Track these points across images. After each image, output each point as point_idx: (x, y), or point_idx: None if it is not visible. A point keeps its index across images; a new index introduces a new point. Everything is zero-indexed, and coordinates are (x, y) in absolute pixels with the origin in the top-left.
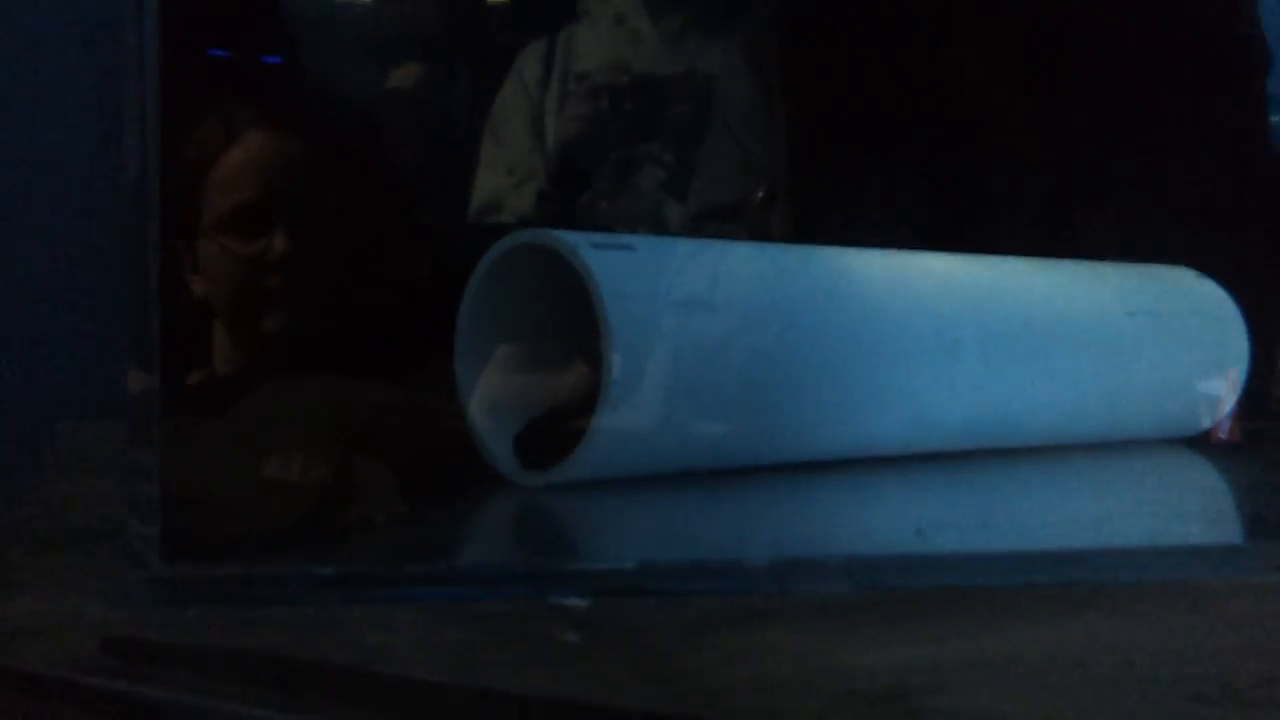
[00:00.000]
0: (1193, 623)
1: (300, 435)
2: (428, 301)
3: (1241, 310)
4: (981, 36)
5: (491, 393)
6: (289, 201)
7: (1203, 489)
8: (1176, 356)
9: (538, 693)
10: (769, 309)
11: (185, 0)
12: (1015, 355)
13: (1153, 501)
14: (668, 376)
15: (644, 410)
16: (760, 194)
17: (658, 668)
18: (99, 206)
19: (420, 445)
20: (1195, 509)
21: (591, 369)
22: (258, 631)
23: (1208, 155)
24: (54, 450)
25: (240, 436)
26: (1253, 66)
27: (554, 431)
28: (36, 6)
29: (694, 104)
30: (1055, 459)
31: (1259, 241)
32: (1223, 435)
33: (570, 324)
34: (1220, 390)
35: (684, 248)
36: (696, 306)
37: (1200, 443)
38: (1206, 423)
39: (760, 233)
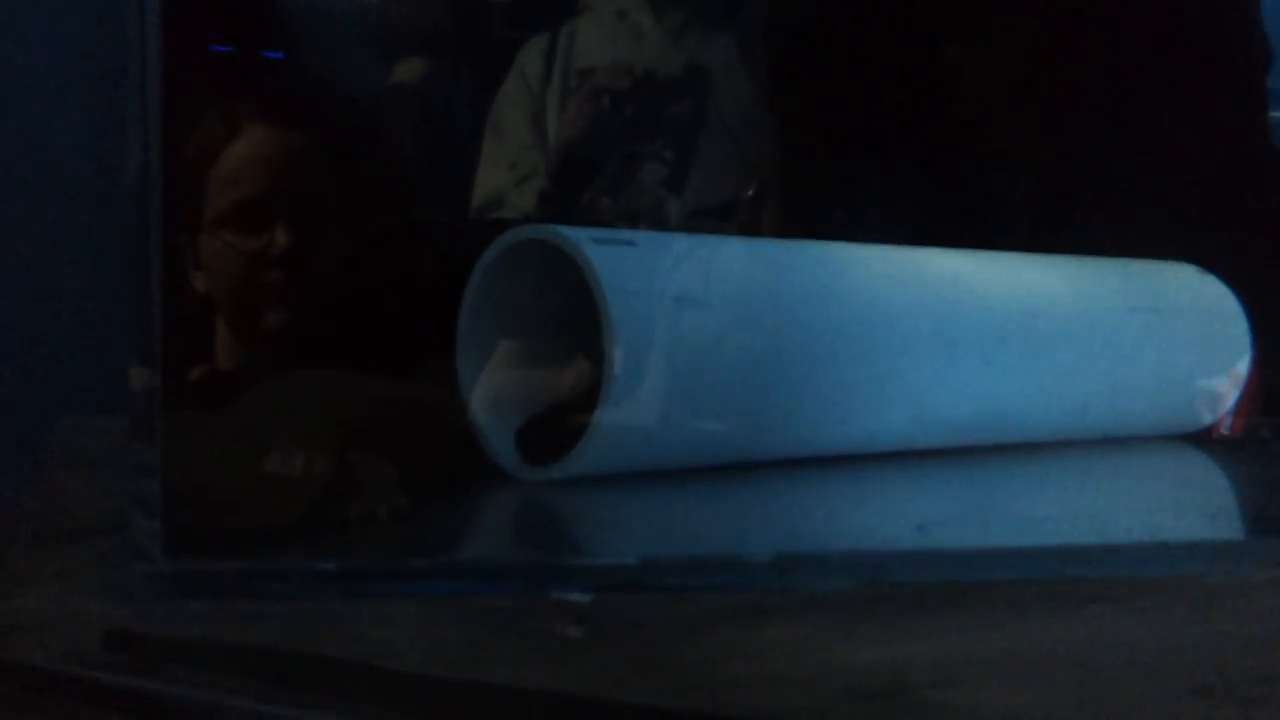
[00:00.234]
0: (1193, 618)
1: (302, 430)
2: (429, 297)
3: (1243, 306)
4: (982, 33)
5: (493, 388)
6: (290, 197)
7: (1204, 485)
8: (1178, 352)
9: (539, 687)
10: (770, 305)
11: None
12: (1016, 351)
13: (1154, 497)
14: (669, 372)
15: (645, 406)
16: (750, 191)
17: (659, 663)
18: (100, 202)
19: (422, 440)
20: (1196, 504)
21: (593, 364)
22: (259, 626)
23: (1209, 151)
24: (56, 445)
25: (242, 431)
26: (1253, 63)
27: (555, 427)
28: (38, 3)
29: (695, 100)
30: (1056, 455)
31: (1260, 237)
32: (1224, 431)
33: (572, 319)
34: (1221, 386)
35: (685, 243)
36: (697, 302)
37: (1202, 438)
38: (1208, 418)
39: (756, 229)
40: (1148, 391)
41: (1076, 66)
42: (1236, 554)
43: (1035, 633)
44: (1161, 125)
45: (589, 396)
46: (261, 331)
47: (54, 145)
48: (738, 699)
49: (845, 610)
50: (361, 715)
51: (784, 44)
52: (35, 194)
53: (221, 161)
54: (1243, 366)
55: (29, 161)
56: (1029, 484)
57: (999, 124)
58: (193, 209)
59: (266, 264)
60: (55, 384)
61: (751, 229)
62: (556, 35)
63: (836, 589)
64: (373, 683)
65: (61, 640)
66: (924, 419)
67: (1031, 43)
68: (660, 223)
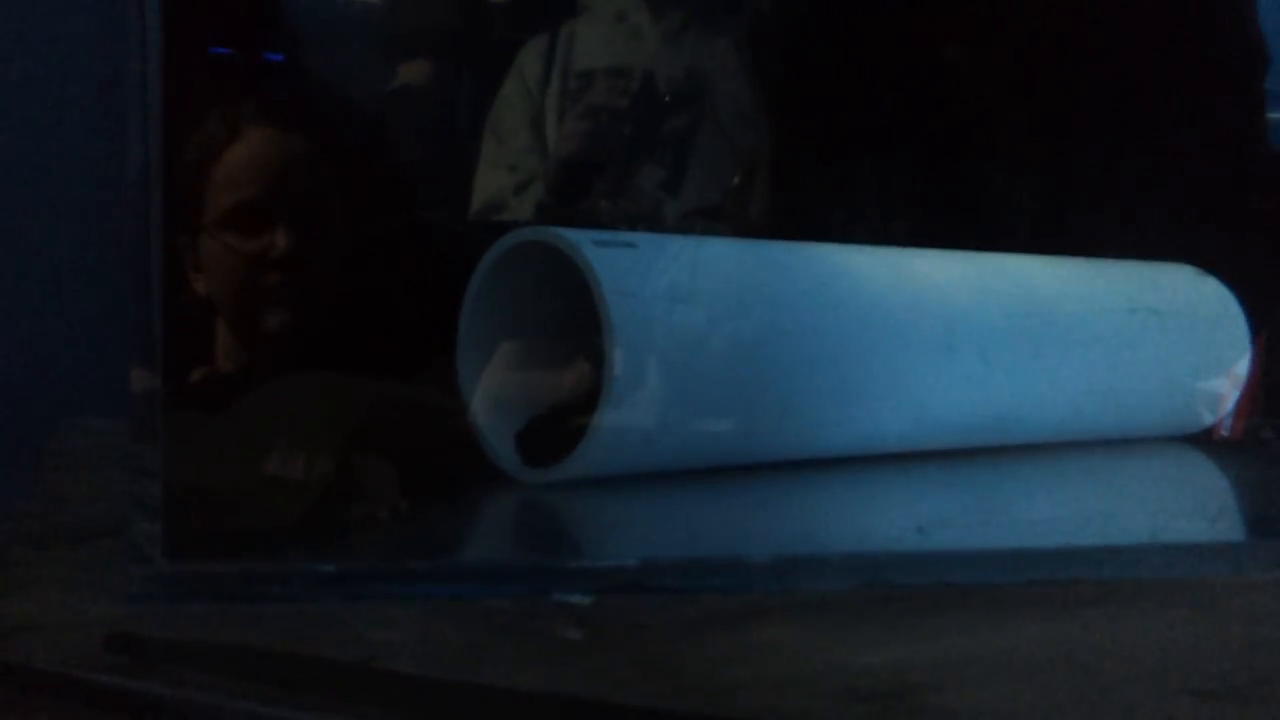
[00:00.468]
0: (1194, 620)
1: (302, 432)
2: (429, 298)
3: (1242, 307)
4: (980, 34)
5: (494, 390)
6: (291, 199)
7: (1204, 486)
8: (1177, 353)
9: (539, 690)
10: (770, 307)
11: None
12: (1016, 353)
13: (1154, 498)
14: (670, 374)
15: (646, 408)
16: (737, 179)
17: (659, 665)
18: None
19: (422, 442)
20: (1196, 506)
21: (593, 366)
22: (260, 628)
23: (1208, 153)
24: (56, 447)
25: (243, 433)
26: (1252, 64)
27: (556, 428)
28: (38, 4)
29: (693, 103)
30: (1056, 456)
31: (1259, 238)
32: (1224, 432)
33: (572, 321)
34: (1221, 387)
35: (686, 246)
36: (698, 304)
37: (1202, 439)
38: (1208, 420)
39: (751, 228)
40: (1147, 393)
41: (1075, 67)
42: (1237, 555)
43: (1035, 634)
44: (1161, 127)
45: (589, 398)
46: (262, 333)
47: (55, 146)
48: (738, 701)
49: (845, 612)
50: (362, 717)
51: (782, 45)
52: (36, 195)
53: (222, 163)
54: (1242, 367)
55: (30, 163)
56: (1029, 486)
57: (998, 126)
58: (193, 211)
59: (267, 266)
60: (56, 386)
61: (746, 228)
62: (555, 36)
63: (837, 591)
64: (373, 685)
65: (62, 643)
66: (924, 421)
67: (1030, 43)
68: (656, 224)
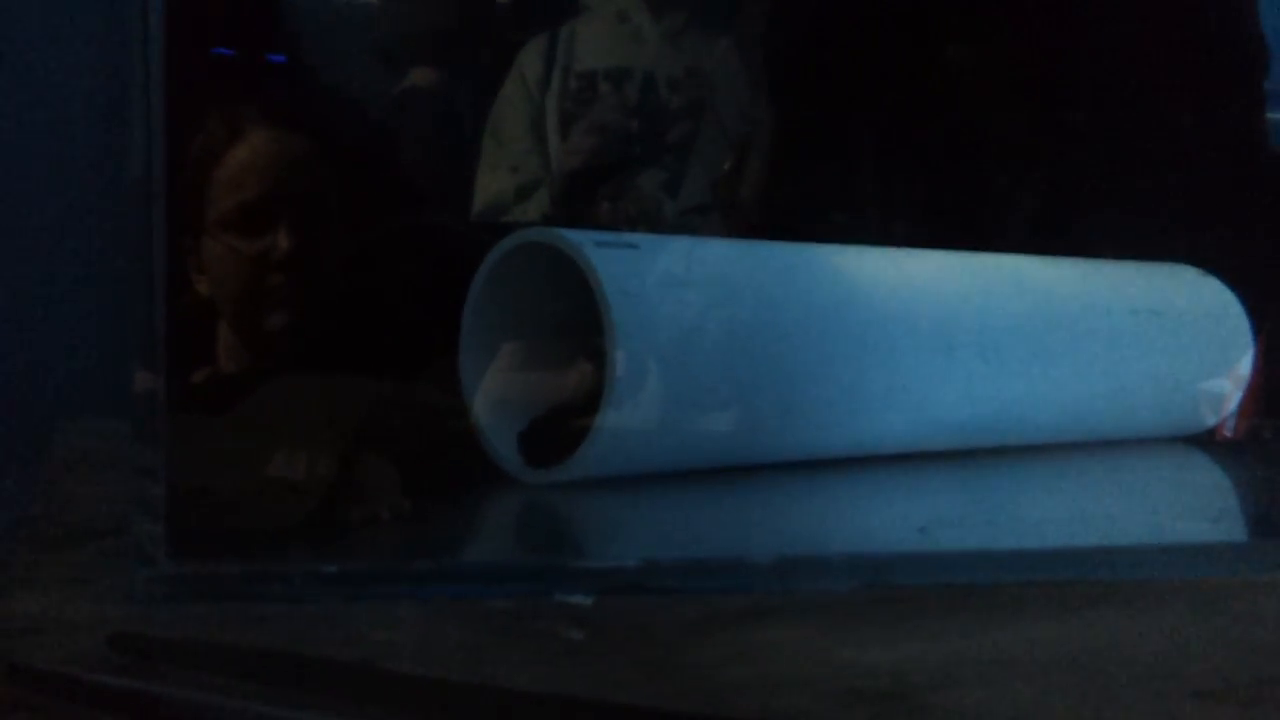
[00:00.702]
0: (1195, 620)
1: (305, 433)
2: (431, 300)
3: (1244, 307)
4: (981, 34)
5: (496, 391)
6: (293, 200)
7: (1206, 487)
8: (1180, 354)
9: (541, 689)
10: (772, 308)
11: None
12: (1018, 353)
13: (1156, 499)
14: (672, 375)
15: (647, 408)
16: (727, 166)
17: (661, 665)
18: (104, 205)
19: (424, 443)
20: (1198, 507)
21: (595, 367)
22: (262, 628)
23: (1209, 153)
24: (60, 448)
25: (245, 435)
26: (1253, 64)
27: (558, 429)
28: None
29: (694, 104)
30: (1058, 457)
31: (1260, 239)
32: (1227, 433)
33: (574, 322)
34: (1224, 388)
35: (688, 247)
36: (699, 305)
37: (1204, 440)
38: (1210, 420)
39: (751, 229)
40: (1149, 394)
41: (1077, 68)
42: (1238, 556)
43: (1037, 635)
44: (1162, 127)
45: (591, 399)
46: (264, 334)
47: (59, 147)
48: (739, 701)
49: (847, 612)
50: (364, 717)
51: (782, 45)
52: (39, 195)
53: (224, 165)
54: (1245, 368)
55: (33, 163)
56: (1031, 486)
57: (1000, 126)
58: (196, 211)
59: (269, 267)
60: (59, 387)
61: (746, 227)
62: (556, 36)
63: (838, 591)
64: (375, 685)
65: (66, 643)
66: (925, 422)
67: (1032, 44)
68: (657, 224)
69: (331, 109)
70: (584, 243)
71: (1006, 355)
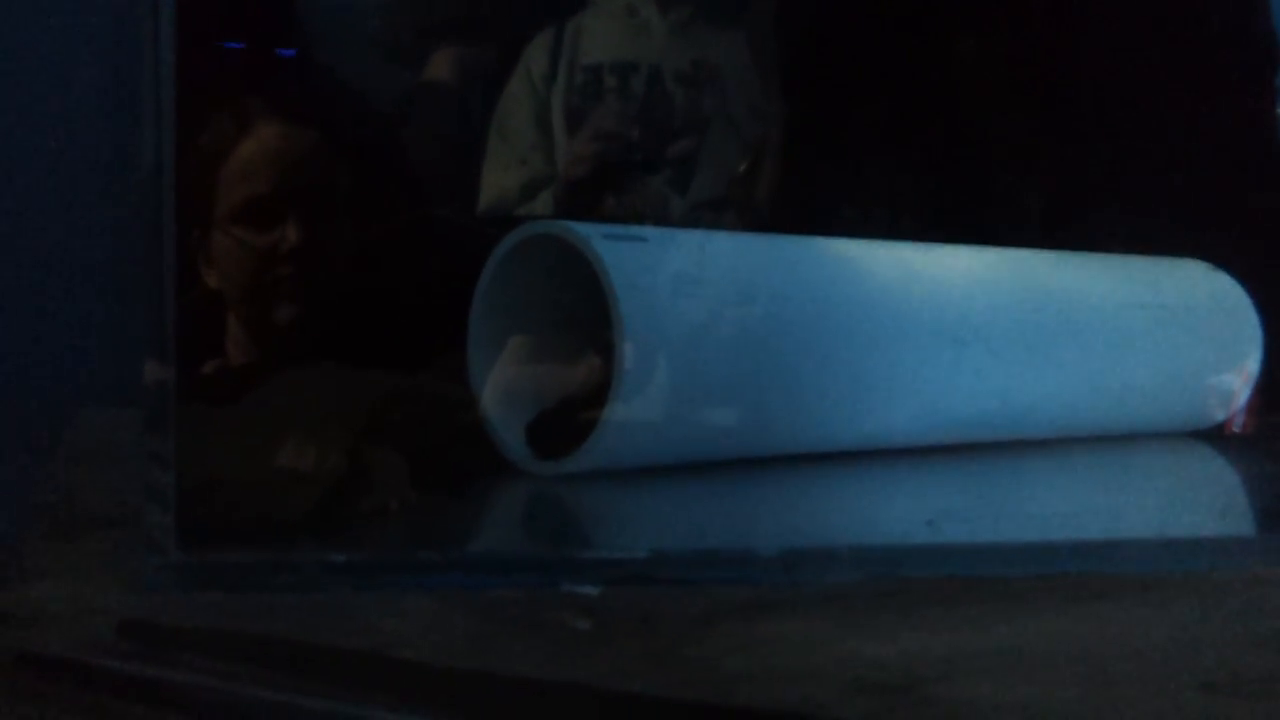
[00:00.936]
0: (1202, 614)
1: (314, 424)
2: (440, 292)
3: (1254, 302)
4: (991, 30)
5: (504, 383)
6: (302, 193)
7: (1214, 481)
8: (1188, 349)
9: (548, 679)
10: (780, 301)
11: None
12: (1025, 348)
13: (1164, 493)
14: (679, 367)
15: (655, 401)
16: (743, 167)
17: (667, 655)
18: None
19: (433, 434)
20: (1206, 501)
21: (603, 360)
22: (271, 617)
23: (1218, 149)
24: (70, 438)
25: (255, 425)
26: (1263, 61)
27: (566, 421)
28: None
29: (702, 99)
30: (1066, 451)
31: (1269, 234)
32: (1235, 428)
33: (582, 315)
34: (1232, 383)
35: (697, 240)
36: (708, 298)
37: (1213, 435)
38: (1219, 415)
39: (759, 222)
40: (1158, 388)
41: (1087, 64)
42: (1246, 550)
43: (1044, 627)
44: (1171, 123)
45: (599, 391)
46: (273, 326)
47: (68, 140)
48: (745, 692)
49: (854, 605)
50: (371, 705)
51: (791, 39)
52: (48, 188)
53: (233, 158)
54: (1254, 363)
55: (43, 156)
56: (1038, 480)
57: (1009, 121)
58: (205, 204)
59: (277, 260)
60: (69, 377)
61: (754, 221)
62: (562, 31)
63: (845, 583)
64: (383, 673)
65: (77, 630)
66: (933, 415)
67: (1041, 39)
68: (664, 219)
69: (340, 103)
70: (592, 235)
71: (1015, 350)
